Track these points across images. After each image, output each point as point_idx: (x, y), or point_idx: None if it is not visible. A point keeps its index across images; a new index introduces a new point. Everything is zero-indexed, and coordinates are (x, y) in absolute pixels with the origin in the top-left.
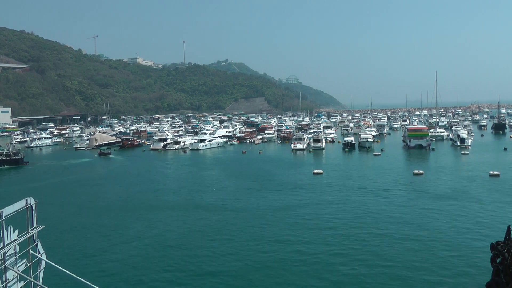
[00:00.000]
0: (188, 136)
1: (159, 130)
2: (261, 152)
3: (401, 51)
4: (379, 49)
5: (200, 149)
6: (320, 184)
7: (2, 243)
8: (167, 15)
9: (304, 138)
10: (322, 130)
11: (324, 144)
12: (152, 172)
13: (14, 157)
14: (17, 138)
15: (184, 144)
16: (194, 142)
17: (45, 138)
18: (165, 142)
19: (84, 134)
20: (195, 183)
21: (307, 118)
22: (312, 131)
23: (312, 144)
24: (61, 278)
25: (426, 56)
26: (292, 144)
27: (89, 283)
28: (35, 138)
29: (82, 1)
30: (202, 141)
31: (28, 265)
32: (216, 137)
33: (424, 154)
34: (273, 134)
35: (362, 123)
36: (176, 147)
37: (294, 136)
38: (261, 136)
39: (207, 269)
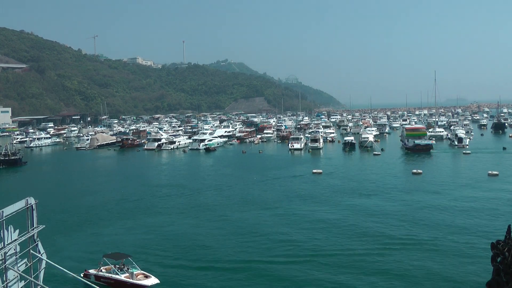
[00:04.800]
0: (184, 136)
1: (155, 130)
2: (261, 151)
3: (401, 51)
4: (379, 49)
5: (200, 149)
6: (323, 184)
7: (2, 243)
8: (167, 15)
9: (301, 138)
10: (322, 130)
11: (321, 144)
12: (145, 171)
13: (13, 157)
14: (17, 138)
15: (179, 144)
16: (194, 142)
17: (44, 138)
18: (159, 142)
19: (82, 134)
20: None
21: (306, 118)
22: (310, 130)
23: (309, 144)
24: (61, 278)
25: (426, 55)
26: (289, 144)
27: (89, 283)
28: (35, 138)
29: (82, 1)
30: (202, 141)
31: (29, 265)
32: (215, 137)
33: (422, 154)
34: (272, 134)
35: (361, 123)
36: (172, 147)
37: (291, 136)
38: (260, 136)
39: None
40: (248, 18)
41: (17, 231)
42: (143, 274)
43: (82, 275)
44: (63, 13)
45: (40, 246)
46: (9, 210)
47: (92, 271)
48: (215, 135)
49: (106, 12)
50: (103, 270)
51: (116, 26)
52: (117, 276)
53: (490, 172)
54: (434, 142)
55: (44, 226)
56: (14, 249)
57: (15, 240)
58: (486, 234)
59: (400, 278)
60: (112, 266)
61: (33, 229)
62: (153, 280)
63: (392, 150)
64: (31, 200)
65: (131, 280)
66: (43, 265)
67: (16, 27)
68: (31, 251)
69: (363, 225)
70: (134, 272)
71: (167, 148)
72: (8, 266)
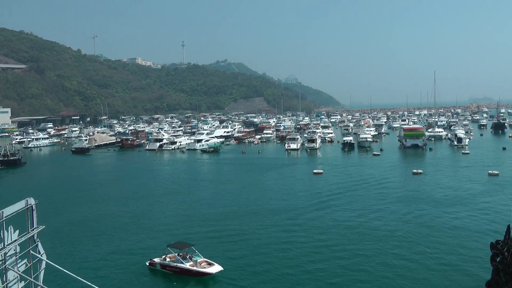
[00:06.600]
0: (185, 136)
1: (156, 130)
2: (260, 152)
3: (402, 51)
4: (379, 49)
5: (197, 149)
6: (322, 184)
7: (2, 244)
8: (166, 15)
9: (297, 138)
10: (320, 130)
11: (318, 144)
12: (143, 172)
13: (12, 158)
14: (16, 139)
15: (180, 144)
16: (191, 142)
17: (42, 138)
18: (160, 143)
19: (83, 135)
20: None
21: (307, 118)
22: (308, 131)
23: (306, 144)
24: (61, 278)
25: (426, 55)
26: (286, 144)
27: (89, 283)
28: (33, 138)
29: (82, 1)
30: (199, 141)
31: (29, 265)
32: (213, 137)
33: (421, 154)
34: (271, 134)
35: (362, 123)
36: (173, 147)
37: (288, 136)
38: (259, 136)
39: None
40: (248, 18)
41: (17, 231)
42: (206, 261)
43: (147, 264)
44: (63, 13)
45: (40, 247)
46: (9, 210)
47: (157, 260)
48: (213, 135)
49: (106, 12)
50: (167, 259)
51: (116, 26)
52: (182, 265)
53: (490, 172)
54: (433, 140)
55: (44, 226)
56: (14, 250)
57: (15, 240)
58: (486, 234)
59: (399, 278)
60: (176, 254)
61: (33, 230)
62: (217, 268)
63: (391, 150)
64: (31, 201)
65: (195, 268)
66: (43, 265)
67: (16, 28)
68: (31, 251)
69: (364, 225)
70: (198, 260)
71: (168, 148)
72: (8, 267)
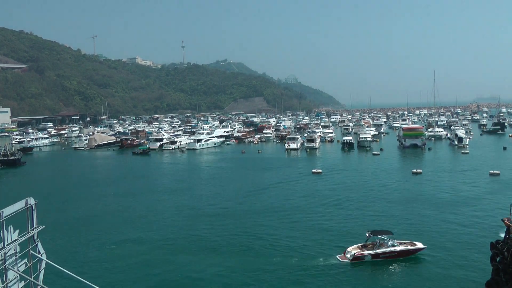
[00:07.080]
0: (185, 136)
1: (156, 130)
2: (260, 151)
3: (401, 51)
4: (379, 48)
5: (196, 149)
6: (321, 184)
7: (2, 243)
8: (166, 15)
9: (297, 138)
10: (320, 130)
11: (318, 144)
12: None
13: (12, 158)
14: (16, 139)
15: (180, 144)
16: (191, 142)
17: (42, 138)
18: (161, 142)
19: (82, 134)
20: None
21: (306, 118)
22: (307, 130)
23: (306, 143)
24: (61, 278)
25: (426, 55)
26: (286, 144)
27: (89, 283)
28: (33, 138)
29: (82, 1)
30: (199, 140)
31: (29, 265)
32: (213, 137)
33: (421, 154)
34: (271, 133)
35: (362, 123)
36: (173, 147)
37: (288, 136)
38: (259, 136)
39: None
40: (248, 18)
41: (17, 231)
42: (399, 242)
43: (346, 259)
44: (63, 13)
45: (40, 246)
46: (9, 210)
47: (365, 251)
48: (213, 135)
49: (106, 12)
50: (368, 247)
51: (116, 26)
52: (400, 247)
53: (491, 171)
54: (433, 140)
55: (44, 226)
56: (14, 250)
57: (15, 240)
58: (486, 234)
59: (398, 279)
60: (389, 240)
61: (33, 229)
62: (421, 244)
63: (391, 150)
64: (31, 201)
65: (414, 247)
66: (43, 265)
67: (16, 27)
68: (31, 251)
69: (362, 224)
70: (396, 241)
71: (168, 148)
72: (8, 267)
